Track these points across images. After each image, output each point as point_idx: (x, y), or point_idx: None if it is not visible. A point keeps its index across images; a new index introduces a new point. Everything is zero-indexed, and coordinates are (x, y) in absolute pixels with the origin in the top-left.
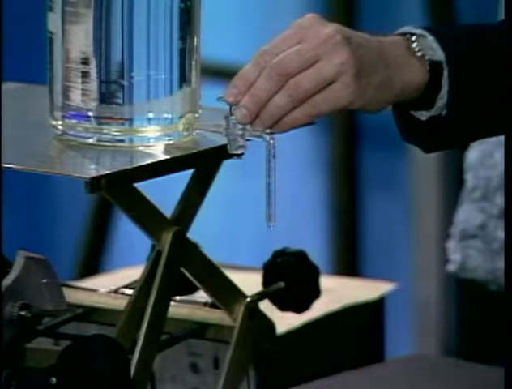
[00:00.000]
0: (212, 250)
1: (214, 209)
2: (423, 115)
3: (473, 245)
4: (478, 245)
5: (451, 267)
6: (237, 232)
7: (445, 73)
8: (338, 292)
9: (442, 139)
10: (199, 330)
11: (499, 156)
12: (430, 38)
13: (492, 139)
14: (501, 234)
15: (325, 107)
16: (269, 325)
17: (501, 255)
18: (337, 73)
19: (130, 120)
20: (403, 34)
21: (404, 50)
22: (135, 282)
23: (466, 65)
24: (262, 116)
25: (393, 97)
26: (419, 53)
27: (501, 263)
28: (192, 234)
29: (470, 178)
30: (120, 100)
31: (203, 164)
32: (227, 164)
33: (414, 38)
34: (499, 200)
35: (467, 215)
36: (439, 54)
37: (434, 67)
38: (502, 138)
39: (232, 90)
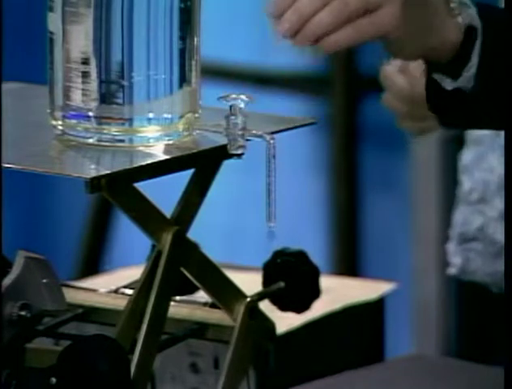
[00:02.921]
0: (213, 250)
1: (214, 209)
2: (448, 84)
3: (473, 248)
4: (478, 248)
5: (452, 270)
6: (237, 232)
7: (478, 42)
8: (338, 292)
9: (462, 114)
10: (199, 330)
11: (493, 159)
12: (469, 4)
13: (487, 141)
14: (500, 237)
15: (367, 31)
16: (269, 325)
17: (501, 258)
18: None
19: (130, 120)
20: None
21: (444, 7)
22: (135, 282)
23: (498, 41)
24: (305, 31)
25: (426, 49)
26: (457, 15)
27: (501, 266)
28: (192, 234)
29: (465, 180)
30: (120, 100)
31: (203, 164)
32: (227, 164)
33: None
34: (498, 203)
35: (464, 217)
36: (476, 21)
37: (468, 33)
38: (497, 140)
39: (277, 1)
